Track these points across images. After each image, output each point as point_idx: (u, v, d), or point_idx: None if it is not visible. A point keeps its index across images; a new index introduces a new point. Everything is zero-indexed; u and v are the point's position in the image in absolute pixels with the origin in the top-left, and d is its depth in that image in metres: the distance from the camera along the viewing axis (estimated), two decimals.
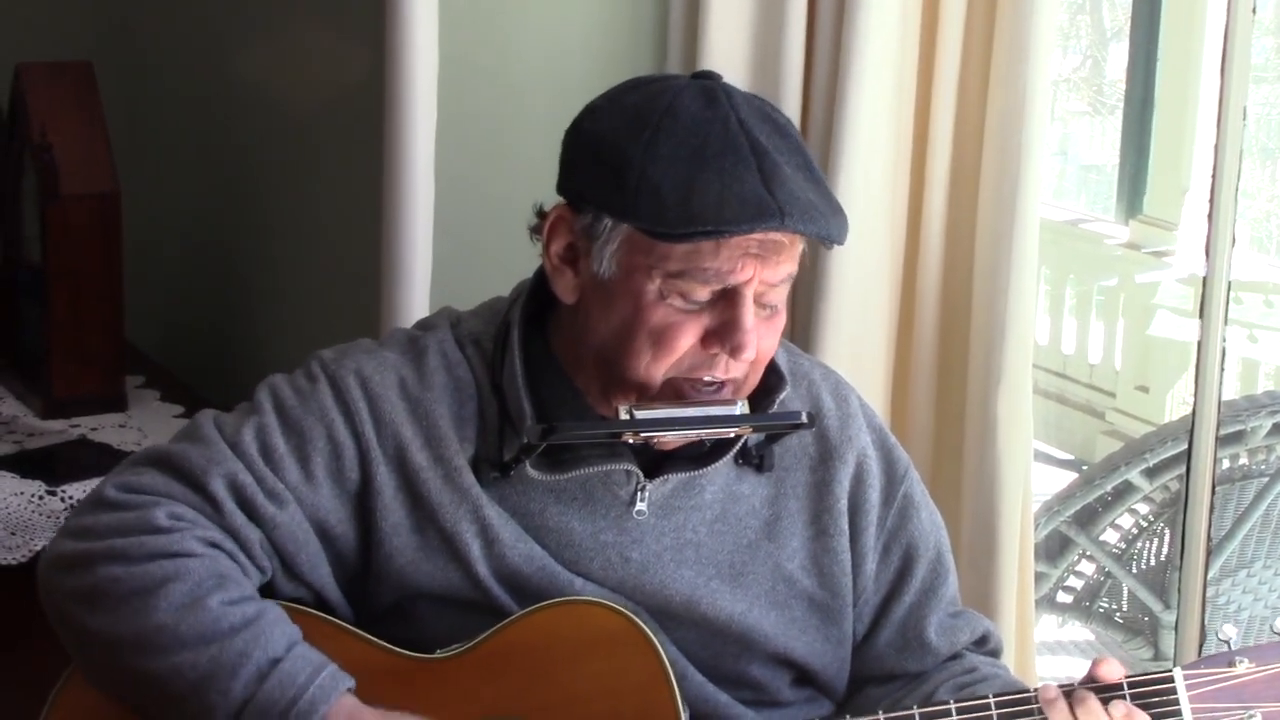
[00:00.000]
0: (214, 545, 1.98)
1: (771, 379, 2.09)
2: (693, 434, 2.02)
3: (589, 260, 2.00)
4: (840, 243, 1.98)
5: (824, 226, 1.95)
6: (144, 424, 3.17)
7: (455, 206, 2.91)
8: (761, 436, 2.13)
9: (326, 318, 3.34)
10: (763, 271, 1.96)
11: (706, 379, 1.99)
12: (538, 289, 2.11)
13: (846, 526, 2.16)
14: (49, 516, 2.83)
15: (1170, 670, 2.00)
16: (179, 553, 1.95)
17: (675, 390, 1.99)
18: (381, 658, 2.02)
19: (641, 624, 2.01)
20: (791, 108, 2.82)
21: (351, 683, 1.95)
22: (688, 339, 1.97)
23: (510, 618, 2.02)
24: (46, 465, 2.96)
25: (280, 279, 3.58)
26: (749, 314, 1.96)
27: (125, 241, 3.19)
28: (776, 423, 2.07)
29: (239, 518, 2.00)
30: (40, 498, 2.86)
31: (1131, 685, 1.99)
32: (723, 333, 1.96)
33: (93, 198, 3.13)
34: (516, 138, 2.96)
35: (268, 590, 2.04)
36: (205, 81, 3.78)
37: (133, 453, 2.93)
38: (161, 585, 1.93)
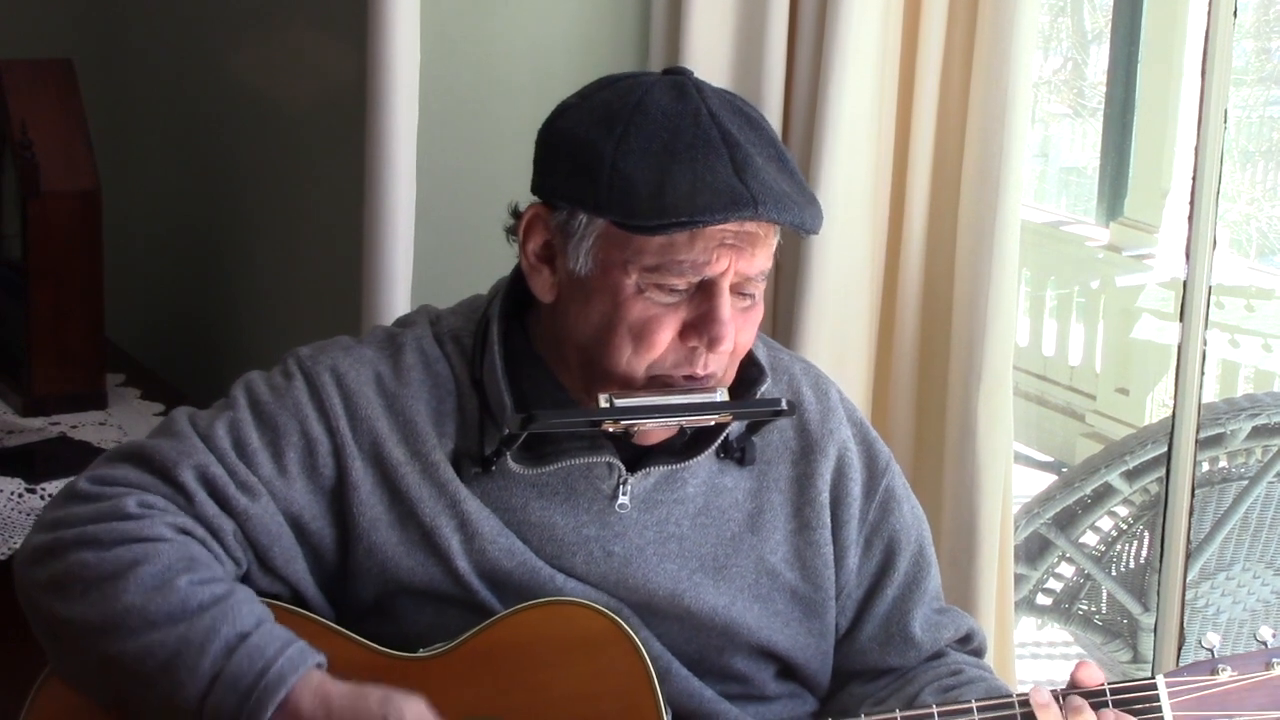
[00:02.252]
0: (184, 531, 1.99)
1: (751, 371, 2.10)
2: (673, 422, 2.03)
3: (565, 257, 2.01)
4: (815, 231, 2.00)
5: (798, 215, 1.96)
6: (124, 422, 3.17)
7: (437, 204, 2.91)
8: (743, 428, 2.13)
9: (308, 315, 3.33)
10: (738, 262, 1.97)
11: (686, 375, 1.99)
12: (515, 286, 2.12)
13: (828, 520, 2.17)
14: (28, 514, 2.83)
15: (1153, 678, 2.00)
16: (148, 537, 1.96)
17: (658, 385, 2.00)
18: (364, 656, 2.02)
19: (624, 625, 2.02)
20: (773, 107, 2.82)
21: (321, 658, 1.95)
22: (667, 332, 1.97)
23: (493, 617, 2.03)
24: (26, 463, 2.96)
25: (262, 277, 3.57)
26: (725, 305, 1.97)
27: (106, 239, 3.18)
28: (757, 409, 2.08)
29: (210, 508, 2.00)
30: (19, 495, 2.86)
31: (1114, 691, 2.00)
32: (700, 325, 1.97)
33: (74, 195, 3.13)
34: (499, 136, 2.96)
35: (244, 584, 2.04)
36: (186, 79, 3.78)
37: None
38: (131, 568, 1.93)
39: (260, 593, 2.04)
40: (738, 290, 1.99)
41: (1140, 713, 1.99)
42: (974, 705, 2.00)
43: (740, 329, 2.00)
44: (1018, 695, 2.01)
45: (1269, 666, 2.00)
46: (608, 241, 1.97)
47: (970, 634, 2.25)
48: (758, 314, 2.04)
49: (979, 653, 2.27)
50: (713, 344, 1.97)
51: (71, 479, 2.06)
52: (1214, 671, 2.00)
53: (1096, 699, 1.99)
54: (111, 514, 1.97)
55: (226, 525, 2.01)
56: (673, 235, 1.93)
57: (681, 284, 1.97)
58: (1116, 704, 1.99)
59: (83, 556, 1.95)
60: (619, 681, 2.00)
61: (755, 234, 1.97)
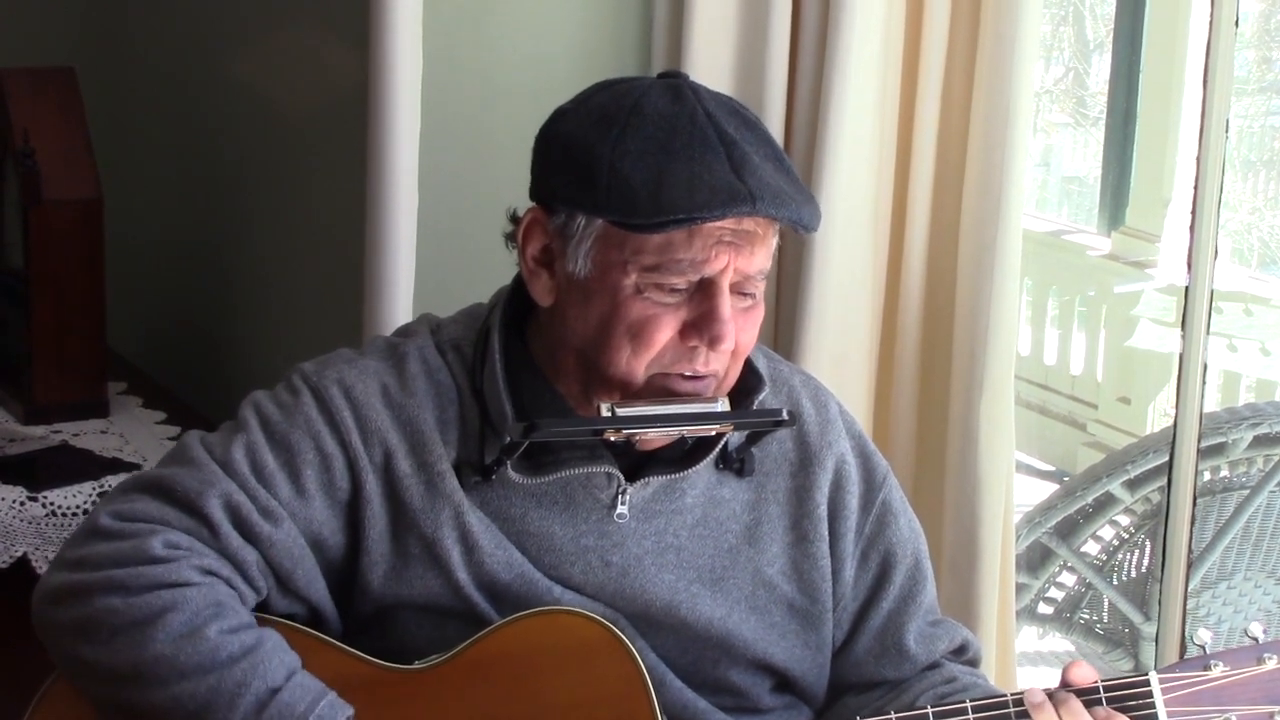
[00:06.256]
0: (210, 572, 1.97)
1: (750, 379, 2.10)
2: (674, 431, 2.03)
3: (564, 260, 2.01)
4: (813, 229, 2.00)
5: (796, 211, 1.96)
6: (125, 430, 3.16)
7: (440, 211, 2.91)
8: (742, 439, 2.13)
9: (310, 323, 3.33)
10: (737, 260, 1.97)
11: (688, 373, 1.99)
12: (516, 294, 2.12)
13: (826, 532, 2.17)
14: (30, 522, 2.83)
15: (1146, 674, 2.01)
16: (176, 582, 1.94)
17: (657, 387, 2.00)
18: (361, 669, 2.01)
19: (619, 633, 2.01)
20: (775, 117, 2.82)
21: (350, 711, 1.95)
22: (666, 332, 1.97)
23: (489, 628, 2.02)
24: (27, 471, 2.96)
25: (263, 285, 3.57)
26: (726, 304, 1.97)
27: (108, 247, 3.19)
28: (758, 419, 2.08)
29: (235, 540, 1.99)
30: (21, 504, 2.86)
31: (1108, 689, 2.00)
32: (701, 324, 1.97)
33: (75, 203, 3.13)
34: (501, 143, 2.96)
35: (261, 607, 2.03)
36: (189, 87, 3.78)
37: (122, 474, 2.93)
38: (160, 615, 1.92)
39: (279, 613, 2.03)
40: (737, 290, 1.99)
41: (1133, 709, 2.00)
42: (969, 705, 2.01)
43: (741, 328, 2.00)
44: (1011, 695, 2.02)
45: (1260, 661, 2.01)
46: (607, 242, 1.98)
47: (965, 645, 2.25)
48: (758, 314, 2.04)
49: (974, 663, 2.27)
50: (714, 343, 1.97)
51: (90, 514, 2.04)
52: (1206, 667, 2.01)
53: (1090, 696, 2.00)
54: (137, 556, 1.95)
55: (250, 556, 2.00)
56: (672, 233, 1.93)
57: (681, 283, 1.97)
58: (1110, 700, 2.00)
59: (110, 602, 1.93)
60: (615, 689, 2.00)
61: (754, 232, 1.97)
